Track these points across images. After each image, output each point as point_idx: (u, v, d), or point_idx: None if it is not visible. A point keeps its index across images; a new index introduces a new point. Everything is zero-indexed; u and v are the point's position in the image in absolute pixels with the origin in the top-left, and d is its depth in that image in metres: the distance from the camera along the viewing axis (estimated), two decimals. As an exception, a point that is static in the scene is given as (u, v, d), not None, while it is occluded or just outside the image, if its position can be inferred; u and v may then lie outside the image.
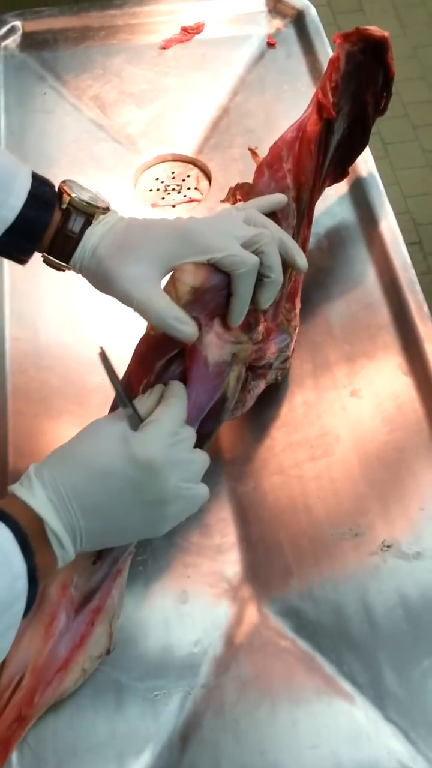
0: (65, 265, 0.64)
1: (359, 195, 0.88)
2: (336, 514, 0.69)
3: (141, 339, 0.63)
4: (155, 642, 0.63)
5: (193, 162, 0.95)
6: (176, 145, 0.96)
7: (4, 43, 1.05)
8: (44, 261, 0.65)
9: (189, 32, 1.05)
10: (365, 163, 0.89)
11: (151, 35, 1.06)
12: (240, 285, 0.60)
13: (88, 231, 0.63)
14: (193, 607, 0.65)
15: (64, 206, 0.63)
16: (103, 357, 0.58)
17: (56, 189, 0.64)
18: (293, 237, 0.72)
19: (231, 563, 0.67)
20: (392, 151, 1.86)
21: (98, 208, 0.63)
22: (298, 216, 0.71)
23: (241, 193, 0.70)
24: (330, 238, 0.85)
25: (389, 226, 0.84)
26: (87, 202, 0.63)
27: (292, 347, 0.74)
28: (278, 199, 0.68)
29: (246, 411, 0.71)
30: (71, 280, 0.84)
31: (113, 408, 0.63)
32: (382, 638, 0.63)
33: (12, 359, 0.78)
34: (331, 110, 0.72)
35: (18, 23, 1.06)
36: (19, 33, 1.06)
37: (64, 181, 0.64)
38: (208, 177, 0.94)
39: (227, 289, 0.60)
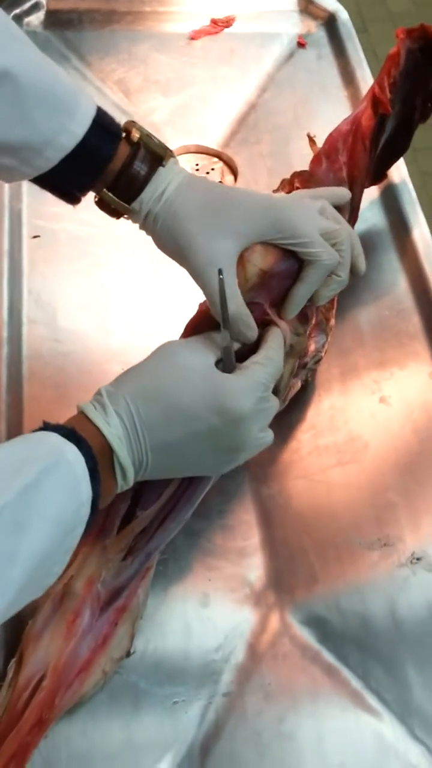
0: (127, 206, 0.58)
1: (390, 201, 0.86)
2: (363, 522, 0.67)
3: (195, 316, 0.60)
4: (175, 646, 0.60)
5: (218, 155, 0.93)
6: (202, 137, 0.93)
7: (27, 20, 1.02)
8: (98, 202, 0.59)
9: (219, 25, 1.02)
10: (398, 169, 0.88)
11: (179, 24, 1.03)
12: (312, 276, 0.57)
13: (162, 172, 0.57)
14: (214, 611, 0.62)
15: (135, 140, 0.57)
16: (221, 282, 0.54)
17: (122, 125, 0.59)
18: None
19: (254, 567, 0.64)
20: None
21: (168, 150, 0.58)
22: (350, 211, 0.69)
23: (300, 180, 0.68)
24: (361, 242, 0.83)
25: (422, 233, 0.83)
26: (159, 142, 0.58)
27: (326, 348, 0.71)
28: (343, 192, 0.66)
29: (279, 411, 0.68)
30: (94, 263, 0.81)
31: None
32: (411, 654, 0.60)
33: (29, 343, 0.74)
34: (387, 105, 0.71)
35: (42, 0, 1.03)
36: (43, 10, 1.03)
37: (129, 121, 0.59)
38: (234, 172, 0.91)
39: (293, 278, 0.58)
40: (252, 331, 0.57)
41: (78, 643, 0.54)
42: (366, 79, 0.96)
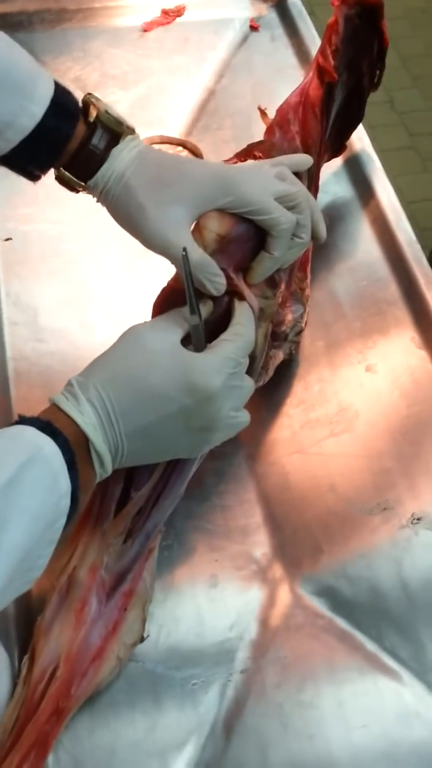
0: (82, 184, 0.60)
1: (356, 172, 0.87)
2: (362, 490, 0.67)
3: (163, 291, 0.60)
4: (188, 629, 0.60)
5: (182, 144, 0.93)
6: (164, 127, 0.93)
7: (-24, 25, 1.01)
8: (58, 178, 0.60)
9: (170, 15, 1.03)
10: (360, 141, 0.88)
11: (131, 17, 1.03)
12: (276, 246, 0.58)
13: (115, 151, 0.59)
14: (223, 591, 0.62)
15: (91, 119, 0.58)
16: (185, 257, 0.54)
17: (80, 102, 0.60)
18: None
19: (258, 544, 0.65)
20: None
21: (126, 127, 0.60)
22: (308, 180, 0.70)
23: (261, 150, 0.68)
24: (330, 215, 0.84)
25: (390, 201, 0.83)
26: (116, 119, 0.59)
27: (305, 319, 0.72)
28: (305, 159, 0.66)
29: (263, 384, 0.68)
30: (69, 261, 0.81)
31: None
32: (422, 611, 0.61)
33: (12, 345, 0.74)
34: (332, 73, 0.72)
35: (-10, 4, 1.02)
36: (-8, 15, 1.02)
37: (89, 94, 0.60)
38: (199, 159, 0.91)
39: (252, 240, 0.58)
40: (219, 278, 0.57)
41: (88, 632, 0.54)
42: (321, 56, 0.97)
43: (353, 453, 0.69)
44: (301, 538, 0.65)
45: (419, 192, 2.00)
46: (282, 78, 0.97)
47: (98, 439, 0.51)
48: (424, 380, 0.73)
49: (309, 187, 0.72)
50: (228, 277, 0.58)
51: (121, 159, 0.59)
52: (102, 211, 0.84)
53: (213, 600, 0.62)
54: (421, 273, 0.78)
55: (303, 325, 0.72)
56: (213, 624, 0.60)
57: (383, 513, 0.66)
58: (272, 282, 0.62)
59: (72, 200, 0.85)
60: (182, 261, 0.54)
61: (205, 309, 0.57)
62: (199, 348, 0.55)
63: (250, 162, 0.64)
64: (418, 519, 0.65)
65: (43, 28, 1.02)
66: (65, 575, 0.56)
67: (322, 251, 0.81)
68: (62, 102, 0.58)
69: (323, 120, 0.74)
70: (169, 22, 1.03)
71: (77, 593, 0.55)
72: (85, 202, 0.85)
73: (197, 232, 0.57)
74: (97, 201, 0.62)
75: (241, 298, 0.58)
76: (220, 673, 0.58)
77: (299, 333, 0.72)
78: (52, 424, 0.50)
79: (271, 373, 0.68)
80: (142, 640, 0.58)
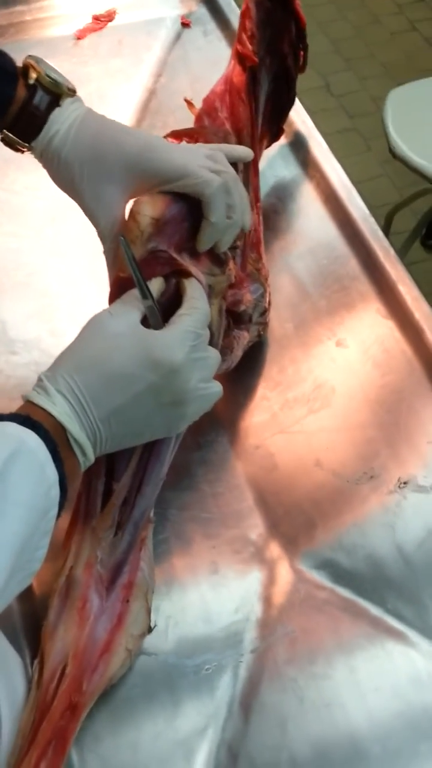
0: (26, 145, 0.61)
1: (302, 154, 0.89)
2: (347, 462, 0.69)
3: (113, 283, 0.61)
4: (195, 617, 0.61)
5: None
6: (109, 131, 0.94)
7: None
8: (2, 139, 0.61)
9: (101, 20, 1.03)
10: (304, 125, 0.90)
11: (63, 27, 1.03)
12: (211, 208, 0.59)
13: (53, 115, 0.60)
14: (225, 577, 0.63)
15: (31, 81, 0.59)
16: (125, 244, 0.56)
17: (19, 64, 0.61)
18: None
19: (253, 527, 0.66)
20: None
21: (66, 89, 0.61)
22: (244, 164, 0.71)
23: (201, 135, 0.70)
24: (284, 200, 0.86)
25: (341, 180, 0.85)
26: (55, 81, 0.60)
27: (267, 299, 0.73)
28: (244, 151, 0.67)
29: (238, 370, 0.70)
30: (32, 272, 0.81)
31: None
32: (419, 571, 0.63)
33: (-16, 360, 0.74)
34: (252, 57, 0.74)
35: None
36: None
37: (30, 56, 0.61)
38: (148, 159, 0.92)
39: (187, 219, 0.59)
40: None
41: (93, 627, 0.55)
42: (255, 46, 0.98)
43: (334, 427, 0.71)
44: (293, 515, 0.66)
45: (365, 171, 2.03)
46: (219, 71, 0.97)
47: (75, 428, 0.52)
48: (394, 349, 0.75)
49: (247, 172, 0.73)
50: (171, 258, 0.58)
51: (61, 122, 0.60)
52: (58, 220, 0.85)
53: (215, 586, 0.62)
54: (378, 246, 0.80)
55: (266, 305, 0.73)
56: (218, 609, 0.61)
57: (370, 481, 0.67)
58: (218, 260, 0.62)
59: (28, 213, 0.86)
60: (122, 247, 0.56)
61: (157, 287, 0.58)
62: (158, 327, 0.57)
63: (184, 144, 0.65)
64: (404, 483, 0.67)
65: (-23, 46, 1.01)
66: (63, 576, 0.57)
67: (279, 235, 0.83)
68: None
69: (251, 104, 0.76)
70: (101, 28, 1.03)
71: (77, 592, 0.56)
72: (41, 213, 0.85)
73: (132, 219, 0.58)
74: (40, 162, 0.63)
75: (188, 275, 0.59)
76: (231, 655, 0.59)
77: (263, 313, 0.73)
78: (30, 417, 0.51)
79: (239, 353, 0.69)
80: (149, 630, 0.58)
